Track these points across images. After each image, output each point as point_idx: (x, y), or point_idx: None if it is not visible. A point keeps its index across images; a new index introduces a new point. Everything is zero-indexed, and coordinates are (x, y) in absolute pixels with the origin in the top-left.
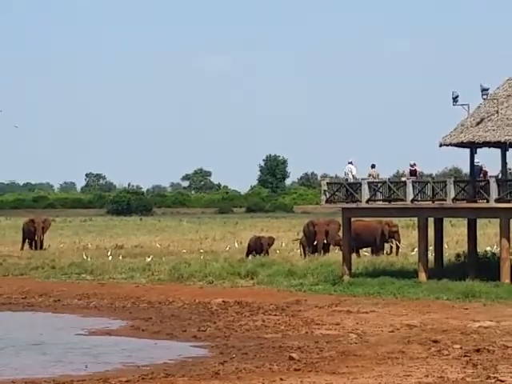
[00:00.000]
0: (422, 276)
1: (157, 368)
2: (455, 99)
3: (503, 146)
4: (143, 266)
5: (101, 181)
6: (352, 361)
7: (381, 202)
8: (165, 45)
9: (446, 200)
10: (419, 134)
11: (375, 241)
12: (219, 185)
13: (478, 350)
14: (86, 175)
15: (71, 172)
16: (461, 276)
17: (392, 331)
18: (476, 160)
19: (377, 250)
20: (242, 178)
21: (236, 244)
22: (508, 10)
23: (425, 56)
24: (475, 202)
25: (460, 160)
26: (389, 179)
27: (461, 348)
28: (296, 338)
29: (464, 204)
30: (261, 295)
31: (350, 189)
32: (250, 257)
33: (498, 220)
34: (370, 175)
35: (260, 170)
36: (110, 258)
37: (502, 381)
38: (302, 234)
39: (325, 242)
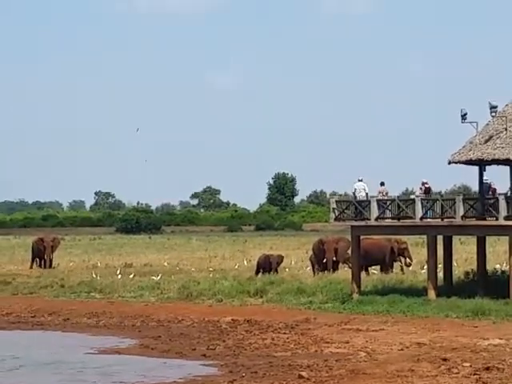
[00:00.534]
0: (432, 294)
1: None
2: (464, 117)
3: None
4: (152, 284)
5: (110, 199)
6: (361, 379)
7: (390, 220)
8: (174, 61)
9: (455, 217)
10: (428, 152)
11: (384, 258)
12: (228, 203)
13: (487, 368)
14: (95, 193)
15: (80, 190)
16: (470, 294)
17: (401, 349)
18: (485, 177)
19: (386, 267)
20: (251, 196)
21: (245, 262)
22: None
23: (434, 74)
24: (484, 219)
25: (469, 177)
26: (398, 197)
27: (470, 366)
28: (305, 356)
29: (473, 221)
30: (270, 313)
31: (359, 206)
32: (260, 275)
33: (507, 237)
34: (379, 193)
35: (269, 188)
36: (119, 276)
37: None
38: (311, 252)
39: (334, 259)
